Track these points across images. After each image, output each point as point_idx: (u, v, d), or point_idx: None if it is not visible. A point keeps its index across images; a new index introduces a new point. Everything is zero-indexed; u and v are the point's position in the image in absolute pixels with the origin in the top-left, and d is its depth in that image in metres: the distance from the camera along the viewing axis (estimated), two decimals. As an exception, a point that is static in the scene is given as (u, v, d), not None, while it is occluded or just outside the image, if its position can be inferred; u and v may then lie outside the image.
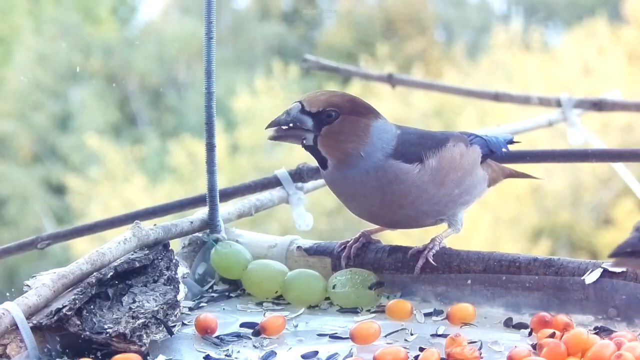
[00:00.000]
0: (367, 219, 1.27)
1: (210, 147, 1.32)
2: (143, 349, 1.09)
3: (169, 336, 1.13)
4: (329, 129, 1.20)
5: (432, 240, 1.25)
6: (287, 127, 1.20)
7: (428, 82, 2.34)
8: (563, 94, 1.90)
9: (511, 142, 1.35)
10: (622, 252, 0.98)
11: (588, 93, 1.95)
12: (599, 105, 1.88)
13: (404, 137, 1.23)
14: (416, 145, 1.22)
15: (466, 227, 1.28)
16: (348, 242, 1.29)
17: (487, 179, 1.29)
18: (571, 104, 1.89)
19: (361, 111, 1.21)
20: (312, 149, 1.22)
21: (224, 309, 1.25)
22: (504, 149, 1.33)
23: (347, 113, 1.20)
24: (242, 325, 1.18)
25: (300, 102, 1.21)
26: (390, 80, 2.01)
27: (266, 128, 1.21)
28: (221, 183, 1.37)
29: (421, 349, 1.09)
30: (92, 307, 1.10)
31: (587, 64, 5.36)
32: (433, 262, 1.23)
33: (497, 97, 1.97)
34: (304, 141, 1.21)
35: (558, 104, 1.90)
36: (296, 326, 1.19)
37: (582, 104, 1.89)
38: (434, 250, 1.23)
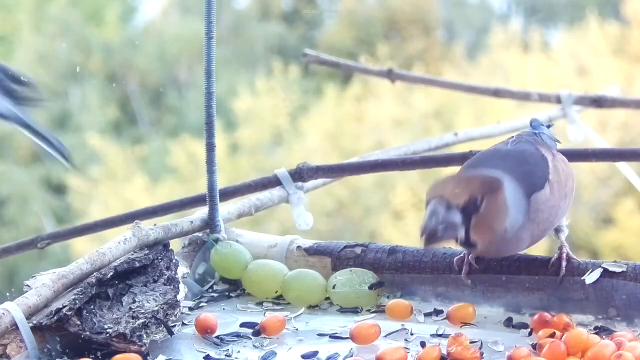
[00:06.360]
0: (502, 254, 1.20)
1: (210, 147, 1.32)
2: (143, 349, 1.09)
3: (169, 336, 1.13)
4: (477, 217, 1.09)
5: (561, 246, 1.20)
6: (441, 233, 1.09)
7: (427, 77, 2.34)
8: (563, 90, 1.90)
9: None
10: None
11: (587, 93, 1.95)
12: (598, 102, 1.88)
13: (520, 170, 1.15)
14: (533, 172, 1.16)
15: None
16: (462, 259, 1.23)
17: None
18: (571, 101, 1.88)
19: (493, 185, 1.11)
20: (465, 242, 1.11)
21: (224, 309, 1.25)
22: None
23: (488, 193, 1.10)
24: (242, 325, 1.18)
25: (439, 199, 1.09)
26: (390, 75, 2.01)
27: (421, 237, 1.08)
28: (221, 183, 1.37)
29: (422, 344, 1.09)
30: (92, 307, 1.10)
31: (586, 64, 5.36)
32: (576, 258, 1.19)
33: (497, 93, 1.97)
34: (458, 239, 1.10)
35: (558, 100, 1.90)
36: (297, 329, 1.19)
37: (582, 100, 1.89)
38: (565, 252, 1.20)
